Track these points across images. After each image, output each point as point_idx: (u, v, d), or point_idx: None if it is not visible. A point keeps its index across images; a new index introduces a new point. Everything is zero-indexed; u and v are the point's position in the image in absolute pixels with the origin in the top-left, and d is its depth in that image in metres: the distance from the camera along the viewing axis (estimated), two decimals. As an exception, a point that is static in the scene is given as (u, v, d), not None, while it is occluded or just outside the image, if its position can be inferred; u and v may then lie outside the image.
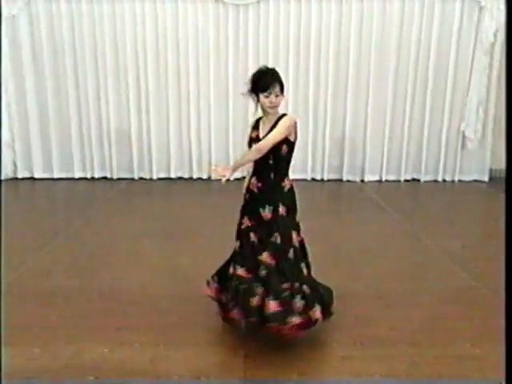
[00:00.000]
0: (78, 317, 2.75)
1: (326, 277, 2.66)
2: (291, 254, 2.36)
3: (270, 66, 2.36)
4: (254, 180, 2.42)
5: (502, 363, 2.34)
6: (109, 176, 6.65)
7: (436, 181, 6.71)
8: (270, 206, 2.35)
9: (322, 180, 6.72)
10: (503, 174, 6.81)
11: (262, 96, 2.28)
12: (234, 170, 2.29)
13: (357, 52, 6.28)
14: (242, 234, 2.47)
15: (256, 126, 2.43)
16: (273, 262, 2.32)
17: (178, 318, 2.74)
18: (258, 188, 2.39)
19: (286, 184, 2.40)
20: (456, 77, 6.33)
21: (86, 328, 2.62)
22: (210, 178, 6.62)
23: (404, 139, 6.56)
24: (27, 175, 6.63)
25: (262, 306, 2.26)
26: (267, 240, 2.34)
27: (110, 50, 6.22)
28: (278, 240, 2.33)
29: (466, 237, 4.44)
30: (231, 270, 2.44)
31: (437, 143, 6.60)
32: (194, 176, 6.67)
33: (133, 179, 6.63)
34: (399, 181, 6.72)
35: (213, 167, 2.30)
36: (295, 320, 2.25)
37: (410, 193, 6.43)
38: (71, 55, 6.23)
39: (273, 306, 2.24)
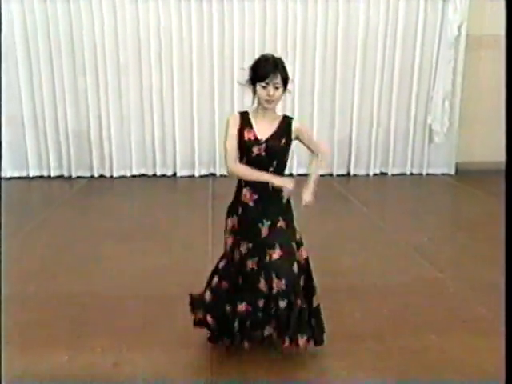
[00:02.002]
0: (35, 324, 2.70)
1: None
2: (295, 269, 2.19)
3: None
4: (246, 191, 2.17)
5: (465, 355, 2.47)
6: (66, 174, 6.50)
7: (404, 174, 6.91)
8: (267, 220, 2.17)
9: (291, 175, 6.80)
10: (469, 167, 7.14)
11: (259, 86, 2.06)
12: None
13: (322, 47, 6.35)
14: (238, 266, 2.22)
15: (248, 124, 2.15)
16: (265, 289, 2.13)
17: (142, 319, 2.74)
18: (254, 201, 2.16)
19: (285, 194, 2.19)
20: (421, 70, 6.50)
21: (44, 336, 2.58)
22: (175, 175, 6.60)
23: (372, 133, 6.71)
24: (-24, 174, 6.42)
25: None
26: (263, 262, 2.13)
27: (66, 47, 6.08)
28: (276, 256, 2.13)
29: (431, 229, 4.60)
30: (228, 308, 2.22)
31: (404, 137, 6.78)
32: (158, 173, 6.61)
33: (92, 177, 6.51)
34: (368, 175, 6.88)
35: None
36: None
37: (378, 186, 6.60)
38: (25, 54, 6.07)
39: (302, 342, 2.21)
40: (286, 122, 2.19)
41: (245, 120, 2.16)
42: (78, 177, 6.49)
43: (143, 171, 6.62)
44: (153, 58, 6.21)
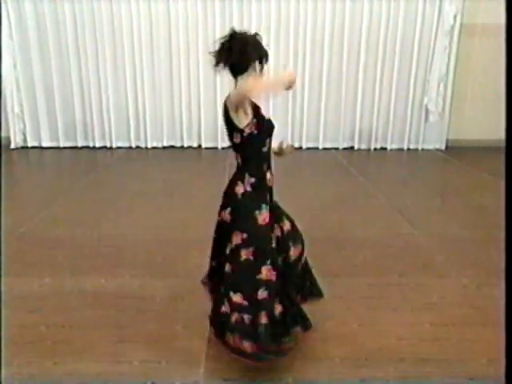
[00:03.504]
0: (81, 257, 3.10)
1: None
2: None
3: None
4: (268, 174, 1.99)
5: (417, 288, 2.72)
6: (108, 145, 6.90)
7: (401, 149, 7.01)
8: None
9: (301, 148, 6.99)
10: (458, 144, 7.21)
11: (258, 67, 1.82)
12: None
13: (329, 36, 6.46)
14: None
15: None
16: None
17: (162, 257, 3.09)
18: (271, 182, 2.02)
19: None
20: (419, 56, 6.54)
21: (87, 265, 2.97)
22: (200, 146, 6.90)
23: (374, 112, 6.82)
24: (36, 144, 6.89)
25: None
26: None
27: (108, 33, 6.41)
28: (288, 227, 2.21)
29: (416, 195, 4.78)
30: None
31: (403, 116, 6.87)
32: (185, 145, 6.94)
33: (130, 147, 6.90)
34: (369, 149, 7.01)
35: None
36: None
37: (377, 160, 6.74)
38: (73, 37, 6.41)
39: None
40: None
41: None
42: (118, 147, 6.89)
43: (172, 143, 6.96)
44: (181, 45, 6.46)
